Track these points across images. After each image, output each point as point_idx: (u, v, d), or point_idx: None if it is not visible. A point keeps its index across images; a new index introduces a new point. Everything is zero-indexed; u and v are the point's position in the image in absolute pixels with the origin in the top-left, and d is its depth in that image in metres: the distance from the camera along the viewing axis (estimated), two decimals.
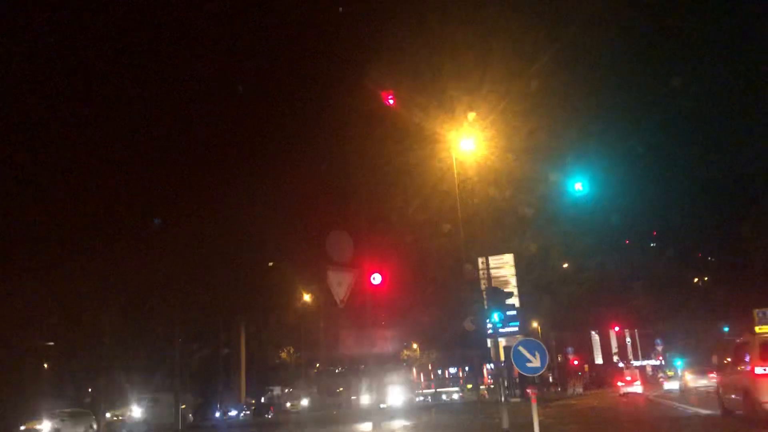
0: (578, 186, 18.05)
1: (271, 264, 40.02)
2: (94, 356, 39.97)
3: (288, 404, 56.03)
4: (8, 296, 33.66)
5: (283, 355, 57.60)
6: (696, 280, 75.24)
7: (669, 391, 41.74)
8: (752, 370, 12.51)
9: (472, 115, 16.74)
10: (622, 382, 52.40)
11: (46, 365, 47.07)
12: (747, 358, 13.31)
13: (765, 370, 12.22)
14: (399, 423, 22.54)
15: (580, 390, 59.51)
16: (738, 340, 15.57)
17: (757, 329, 20.82)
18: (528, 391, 16.19)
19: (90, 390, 48.70)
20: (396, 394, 54.34)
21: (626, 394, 45.74)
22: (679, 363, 63.63)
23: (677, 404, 25.88)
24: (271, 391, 68.17)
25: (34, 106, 35.35)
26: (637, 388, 48.72)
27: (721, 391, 16.24)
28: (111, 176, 38.26)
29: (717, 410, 16.47)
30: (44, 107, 37.23)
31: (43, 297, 36.08)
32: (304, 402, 54.53)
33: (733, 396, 14.53)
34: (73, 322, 37.47)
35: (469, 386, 72.58)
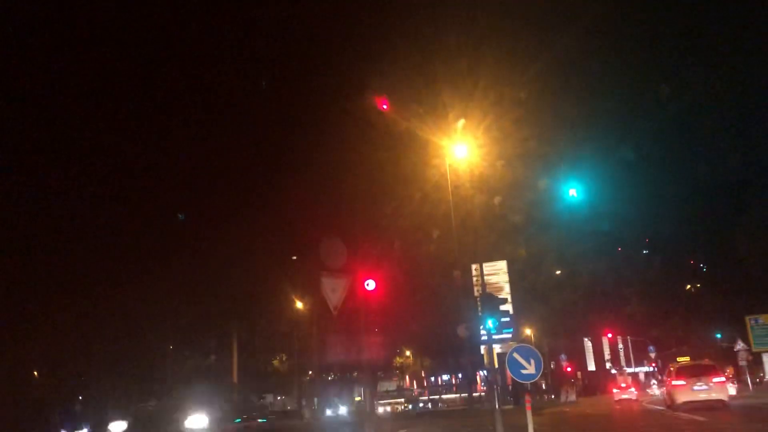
0: (572, 192, 18.07)
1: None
2: (83, 364, 39.71)
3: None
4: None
5: (275, 362, 57.31)
6: (688, 287, 75.50)
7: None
8: (670, 383, 23.72)
9: (461, 123, 16.73)
10: (617, 389, 52.50)
11: (36, 373, 46.74)
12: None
13: (674, 384, 23.08)
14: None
15: (573, 397, 59.48)
16: (669, 368, 26.39)
17: (678, 359, 33.81)
18: (523, 397, 16.17)
19: (81, 398, 48.38)
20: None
21: (621, 401, 45.80)
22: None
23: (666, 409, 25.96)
24: (264, 398, 67.81)
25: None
26: (632, 394, 48.87)
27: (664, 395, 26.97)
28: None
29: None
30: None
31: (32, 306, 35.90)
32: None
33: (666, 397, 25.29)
34: (62, 330, 37.19)
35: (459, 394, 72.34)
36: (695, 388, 22.10)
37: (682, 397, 22.59)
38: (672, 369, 25.26)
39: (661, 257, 71.70)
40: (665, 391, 26.41)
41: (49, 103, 35.73)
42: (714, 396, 22.01)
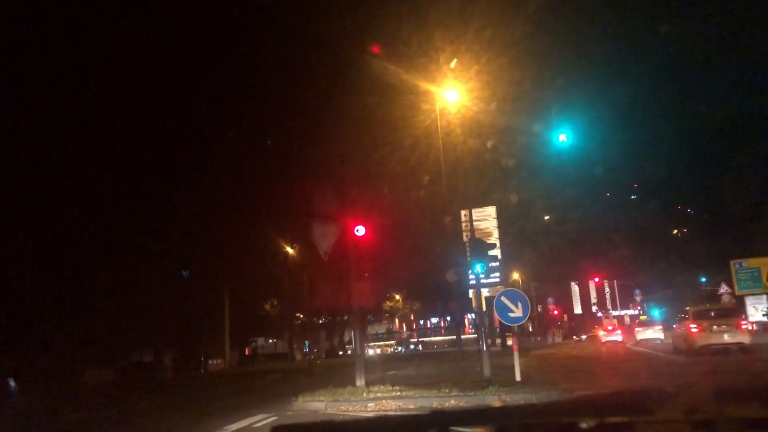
0: (563, 137, 17.97)
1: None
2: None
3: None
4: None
5: (267, 306, 57.90)
6: (675, 231, 76.23)
7: (649, 340, 41.89)
8: (689, 327, 23.24)
9: (454, 62, 16.46)
10: (603, 331, 53.49)
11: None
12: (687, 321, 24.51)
13: (694, 327, 22.73)
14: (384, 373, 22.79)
15: (559, 339, 60.65)
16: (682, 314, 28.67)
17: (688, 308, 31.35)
18: (510, 340, 16.39)
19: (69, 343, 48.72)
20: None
21: (607, 343, 46.70)
22: (656, 313, 64.89)
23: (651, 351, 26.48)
24: (255, 341, 68.76)
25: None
26: (617, 337, 49.82)
27: (673, 340, 27.87)
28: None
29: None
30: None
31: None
32: None
33: (680, 341, 25.22)
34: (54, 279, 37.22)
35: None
36: (716, 330, 21.95)
37: (701, 341, 22.09)
38: (689, 312, 25.82)
39: (650, 202, 72.15)
40: (681, 335, 25.19)
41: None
42: (735, 339, 21.90)
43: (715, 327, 21.94)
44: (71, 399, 25.81)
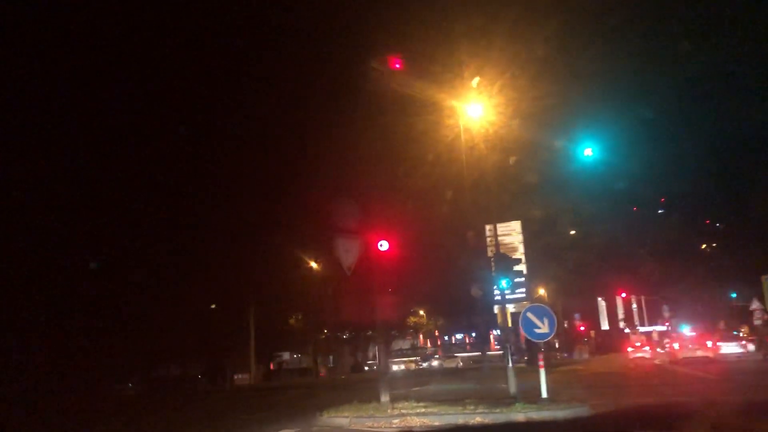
0: (588, 152, 17.87)
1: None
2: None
3: None
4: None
5: (291, 321, 58.00)
6: (704, 246, 75.05)
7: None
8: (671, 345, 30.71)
9: (476, 81, 16.46)
10: (631, 347, 52.80)
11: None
12: None
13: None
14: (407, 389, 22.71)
15: (586, 356, 59.90)
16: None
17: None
18: (536, 356, 16.27)
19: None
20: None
21: (635, 359, 46.11)
22: (685, 329, 63.88)
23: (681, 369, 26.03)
24: (280, 356, 68.83)
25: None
26: (646, 353, 49.21)
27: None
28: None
29: None
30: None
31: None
32: None
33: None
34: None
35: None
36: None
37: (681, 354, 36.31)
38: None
39: (677, 216, 71.16)
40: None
41: None
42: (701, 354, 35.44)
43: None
44: (100, 412, 26.07)
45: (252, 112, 41.36)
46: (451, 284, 41.90)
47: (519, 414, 12.43)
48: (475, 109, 16.80)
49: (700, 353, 36.61)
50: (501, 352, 50.42)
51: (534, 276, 36.57)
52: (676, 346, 40.37)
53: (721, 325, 62.32)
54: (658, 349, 51.16)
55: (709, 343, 38.82)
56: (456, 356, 67.57)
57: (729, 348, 39.20)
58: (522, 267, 18.21)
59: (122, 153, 37.25)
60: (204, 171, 40.92)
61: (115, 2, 38.42)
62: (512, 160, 22.26)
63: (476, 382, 26.03)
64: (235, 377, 51.53)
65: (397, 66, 16.00)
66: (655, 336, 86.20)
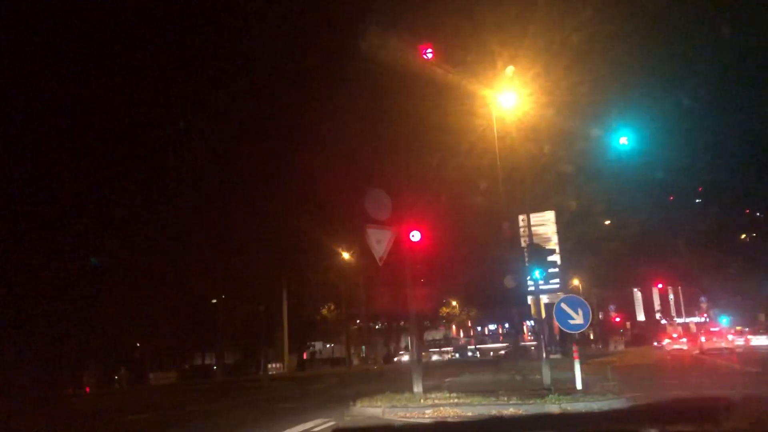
0: (623, 140, 17.56)
1: None
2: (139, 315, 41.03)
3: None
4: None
5: (324, 311, 58.38)
6: (743, 236, 73.57)
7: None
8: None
9: (510, 69, 16.26)
10: (668, 339, 52.13)
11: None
12: None
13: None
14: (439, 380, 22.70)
15: (621, 347, 59.22)
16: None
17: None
18: (570, 347, 16.13)
19: (138, 345, 50.31)
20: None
21: (672, 351, 45.52)
22: (724, 320, 62.73)
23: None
24: (313, 346, 69.41)
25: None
26: (683, 344, 48.50)
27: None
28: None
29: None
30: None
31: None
32: None
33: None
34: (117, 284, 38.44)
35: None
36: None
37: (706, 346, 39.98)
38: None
39: (715, 206, 69.75)
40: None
41: None
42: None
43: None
44: (136, 400, 26.58)
45: (286, 101, 41.48)
46: (484, 275, 41.77)
47: (553, 406, 12.34)
48: (508, 98, 16.63)
49: (723, 345, 40.14)
50: (534, 343, 50.13)
51: (568, 266, 36.23)
52: (702, 339, 44.01)
53: (762, 317, 61.11)
54: (683, 340, 50.97)
55: (730, 337, 42.33)
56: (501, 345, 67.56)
57: (759, 341, 42.94)
58: (556, 257, 18.03)
59: (157, 132, 37.64)
60: (235, 161, 41.25)
61: None
62: (546, 149, 22.04)
63: (510, 373, 25.89)
64: (269, 367, 52.12)
65: (429, 55, 15.90)
66: (692, 327, 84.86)
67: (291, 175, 42.62)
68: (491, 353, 61.67)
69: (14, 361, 29.96)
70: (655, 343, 59.97)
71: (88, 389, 39.62)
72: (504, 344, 70.76)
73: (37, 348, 32.78)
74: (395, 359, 63.07)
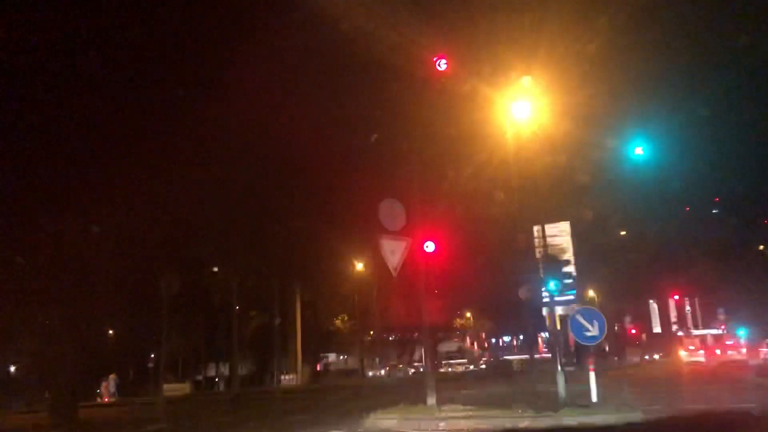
0: (639, 150, 17.47)
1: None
2: (154, 324, 41.16)
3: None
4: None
5: (337, 322, 58.31)
6: (761, 247, 72.82)
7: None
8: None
9: (527, 80, 16.22)
10: (685, 351, 51.64)
11: (111, 332, 48.85)
12: None
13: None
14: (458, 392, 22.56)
15: (637, 359, 58.68)
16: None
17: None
18: (586, 359, 15.97)
19: (152, 356, 50.46)
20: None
21: (690, 363, 45.08)
22: (742, 333, 62.03)
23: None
24: (326, 357, 69.32)
25: None
26: (700, 357, 47.98)
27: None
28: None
29: None
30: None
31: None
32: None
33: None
34: (133, 290, 38.61)
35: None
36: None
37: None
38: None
39: (732, 217, 69.07)
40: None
41: None
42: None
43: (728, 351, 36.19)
44: (151, 411, 26.60)
45: (302, 111, 41.55)
46: (498, 286, 41.50)
47: (568, 419, 12.21)
48: (522, 108, 16.57)
49: (740, 357, 41.56)
50: (549, 355, 49.78)
51: (583, 278, 35.91)
52: (717, 351, 46.27)
53: None
54: (700, 352, 50.72)
55: (744, 350, 43.52)
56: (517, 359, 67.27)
57: None
58: (571, 268, 17.89)
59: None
60: (245, 172, 41.35)
61: None
62: (563, 158, 21.95)
63: (525, 386, 25.68)
64: (282, 378, 52.08)
65: (443, 66, 15.89)
66: (710, 340, 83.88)
67: (305, 185, 42.68)
68: (509, 365, 61.30)
69: (34, 371, 30.14)
70: (646, 356, 59.88)
71: (107, 399, 39.77)
72: (521, 356, 70.36)
73: (59, 359, 32.96)
74: (411, 371, 62.88)
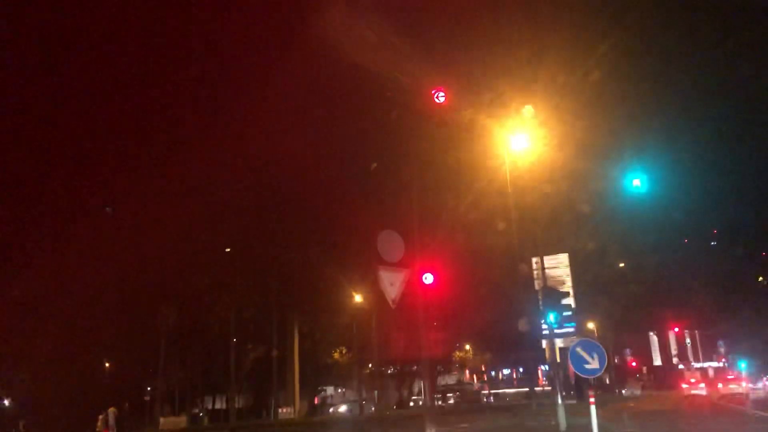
0: (636, 182, 17.47)
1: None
2: (150, 357, 40.87)
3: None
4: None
5: (336, 355, 57.78)
6: (760, 278, 72.74)
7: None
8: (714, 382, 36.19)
9: (529, 110, 16.29)
10: (686, 384, 51.22)
11: (107, 364, 48.41)
12: None
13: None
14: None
15: (638, 392, 58.12)
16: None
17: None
18: (586, 392, 15.79)
19: (149, 389, 49.91)
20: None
21: (690, 396, 44.67)
22: (742, 365, 61.63)
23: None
24: (324, 390, 68.52)
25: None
26: (702, 390, 47.55)
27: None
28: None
29: None
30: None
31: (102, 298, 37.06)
32: None
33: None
34: (130, 321, 38.42)
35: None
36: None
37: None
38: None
39: (732, 248, 69.15)
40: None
41: None
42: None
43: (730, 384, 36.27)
44: None
45: (297, 140, 41.79)
46: (498, 318, 41.27)
47: None
48: (520, 139, 16.66)
49: (740, 390, 41.35)
50: (549, 388, 49.28)
51: (583, 309, 35.79)
52: (720, 385, 46.25)
53: None
54: (701, 385, 50.49)
55: (744, 384, 43.40)
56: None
57: None
58: (570, 300, 17.86)
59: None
60: (244, 203, 41.41)
61: None
62: (561, 190, 21.99)
63: (525, 419, 25.38)
64: (280, 411, 51.46)
65: (441, 99, 15.97)
66: (710, 372, 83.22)
67: (303, 217, 42.69)
68: (507, 399, 60.64)
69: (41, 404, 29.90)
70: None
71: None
72: (522, 389, 69.72)
73: (64, 391, 32.80)
74: (410, 404, 62.20)
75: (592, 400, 16.02)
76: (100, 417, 40.41)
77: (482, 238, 28.85)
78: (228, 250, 41.31)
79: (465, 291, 33.64)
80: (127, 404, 46.83)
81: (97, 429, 40.17)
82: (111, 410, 39.61)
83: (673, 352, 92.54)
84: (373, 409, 54.55)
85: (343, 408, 57.61)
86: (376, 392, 60.00)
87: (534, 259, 18.68)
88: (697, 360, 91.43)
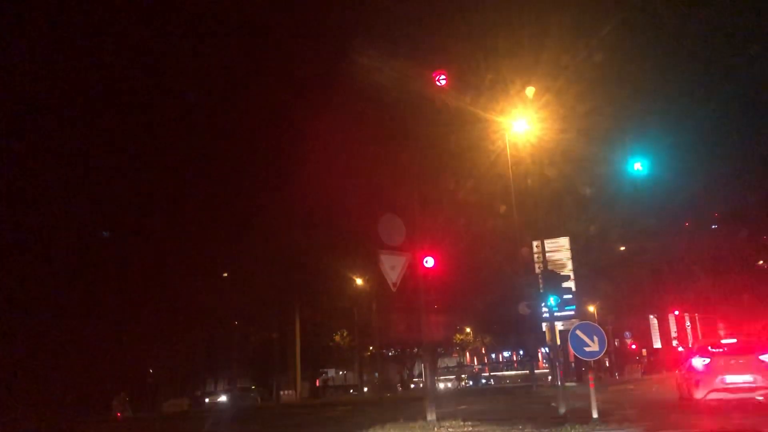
0: (638, 166, 17.46)
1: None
2: (154, 340, 41.06)
3: None
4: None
5: (337, 338, 58.04)
6: (761, 262, 72.78)
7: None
8: None
9: (531, 90, 16.24)
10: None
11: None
12: None
13: None
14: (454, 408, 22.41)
15: (638, 375, 58.39)
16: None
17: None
18: (586, 375, 15.87)
19: (151, 371, 50.20)
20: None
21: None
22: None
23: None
24: (326, 373, 68.94)
25: None
26: None
27: None
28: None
29: None
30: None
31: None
32: None
33: None
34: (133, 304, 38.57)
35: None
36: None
37: None
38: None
39: (733, 232, 69.07)
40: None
41: None
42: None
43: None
44: (151, 427, 26.46)
45: (306, 127, 41.76)
46: (498, 301, 41.38)
47: None
48: (521, 124, 16.61)
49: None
50: (549, 370, 49.55)
51: (583, 293, 35.89)
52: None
53: None
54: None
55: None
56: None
57: None
58: (571, 284, 17.91)
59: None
60: (247, 185, 41.45)
61: None
62: (562, 173, 21.96)
63: (525, 402, 25.52)
64: (282, 393, 51.79)
65: (442, 82, 15.92)
66: None
67: (304, 201, 42.69)
68: (507, 381, 60.96)
69: (47, 388, 30.11)
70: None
71: (119, 415, 39.53)
72: (522, 371, 70.00)
73: (70, 374, 33.00)
74: (411, 386, 62.56)
75: (591, 382, 16.12)
76: (114, 400, 40.83)
77: (483, 221, 28.88)
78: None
79: (465, 274, 33.71)
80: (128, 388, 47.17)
81: (114, 411, 40.63)
82: (122, 393, 40.11)
83: (673, 334, 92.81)
84: (366, 390, 54.99)
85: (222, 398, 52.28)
86: (376, 374, 60.34)
87: (535, 243, 18.69)
88: (697, 343, 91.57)
